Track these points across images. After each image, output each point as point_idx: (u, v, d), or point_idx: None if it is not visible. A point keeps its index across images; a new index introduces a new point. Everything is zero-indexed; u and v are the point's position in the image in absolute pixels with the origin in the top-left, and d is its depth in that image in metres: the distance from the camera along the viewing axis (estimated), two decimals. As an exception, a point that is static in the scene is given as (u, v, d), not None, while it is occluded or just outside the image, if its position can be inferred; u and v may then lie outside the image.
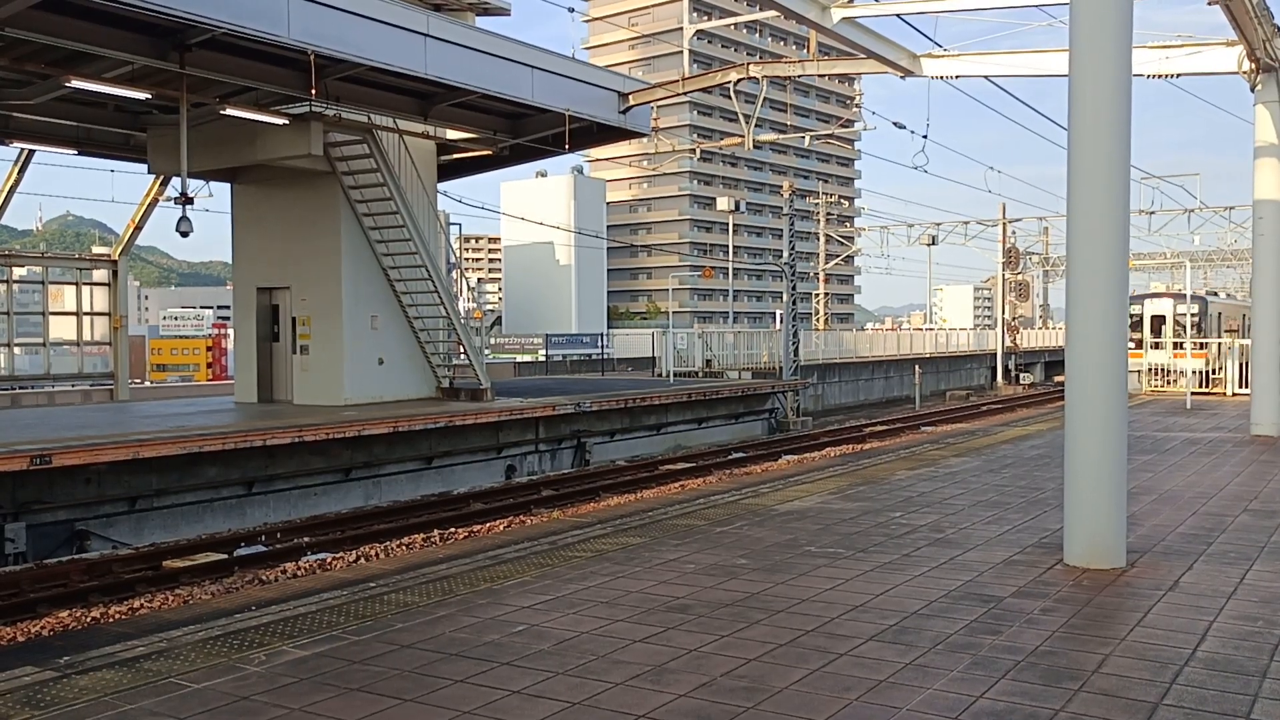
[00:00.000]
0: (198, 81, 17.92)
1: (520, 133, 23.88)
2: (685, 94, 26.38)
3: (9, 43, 15.76)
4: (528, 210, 73.59)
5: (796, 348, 35.38)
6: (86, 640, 6.24)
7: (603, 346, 53.79)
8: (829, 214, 66.94)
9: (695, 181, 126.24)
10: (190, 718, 4.87)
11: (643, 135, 25.64)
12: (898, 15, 17.36)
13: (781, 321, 37.03)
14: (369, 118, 21.57)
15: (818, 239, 67.17)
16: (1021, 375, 57.40)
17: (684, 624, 6.40)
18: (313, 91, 17.52)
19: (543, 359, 48.80)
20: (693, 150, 37.47)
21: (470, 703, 5.07)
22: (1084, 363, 7.93)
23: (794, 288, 35.83)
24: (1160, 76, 17.66)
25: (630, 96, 23.25)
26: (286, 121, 20.37)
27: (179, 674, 5.49)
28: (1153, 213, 53.22)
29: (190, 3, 14.80)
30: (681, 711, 4.94)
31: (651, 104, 24.28)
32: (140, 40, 16.46)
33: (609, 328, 78.59)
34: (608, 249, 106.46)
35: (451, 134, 24.07)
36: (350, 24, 17.21)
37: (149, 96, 18.54)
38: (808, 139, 34.23)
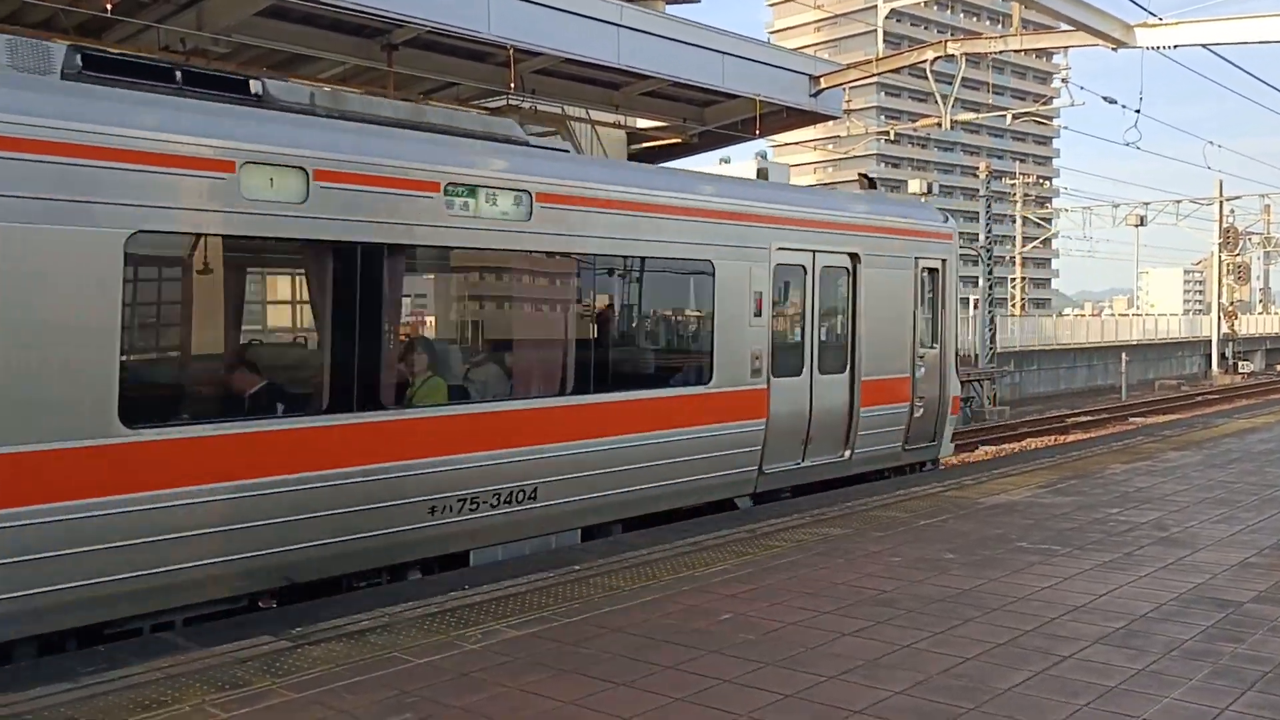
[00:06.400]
0: (403, 79, 18.65)
1: (710, 119, 23.83)
2: (877, 75, 25.74)
3: (235, 48, 16.79)
4: (712, 197, 73.32)
5: (993, 334, 34.10)
6: (315, 612, 6.57)
7: (788, 333, 53.19)
8: (1026, 194, 64.28)
9: (883, 164, 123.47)
10: (416, 691, 5.06)
11: (834, 118, 25.18)
12: (1110, -17, 16.44)
13: (975, 307, 35.79)
14: (563, 109, 21.96)
15: (1013, 221, 64.56)
16: (1240, 363, 53.63)
17: (893, 619, 6.24)
18: (510, 85, 17.96)
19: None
20: (885, 132, 36.60)
21: (682, 689, 5.08)
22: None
23: (990, 272, 34.54)
24: None
25: (822, 79, 22.86)
26: (485, 115, 20.98)
27: (402, 649, 5.71)
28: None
29: (399, 3, 15.41)
30: (899, 709, 4.81)
31: (843, 86, 23.79)
32: (351, 42, 17.26)
33: (794, 314, 77.74)
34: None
35: (642, 123, 24.24)
36: (546, 17, 17.55)
37: (359, 95, 19.40)
38: (1009, 117, 32.62)
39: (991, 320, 34.30)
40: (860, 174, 13.20)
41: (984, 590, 6.87)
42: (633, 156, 25.73)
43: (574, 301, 9.19)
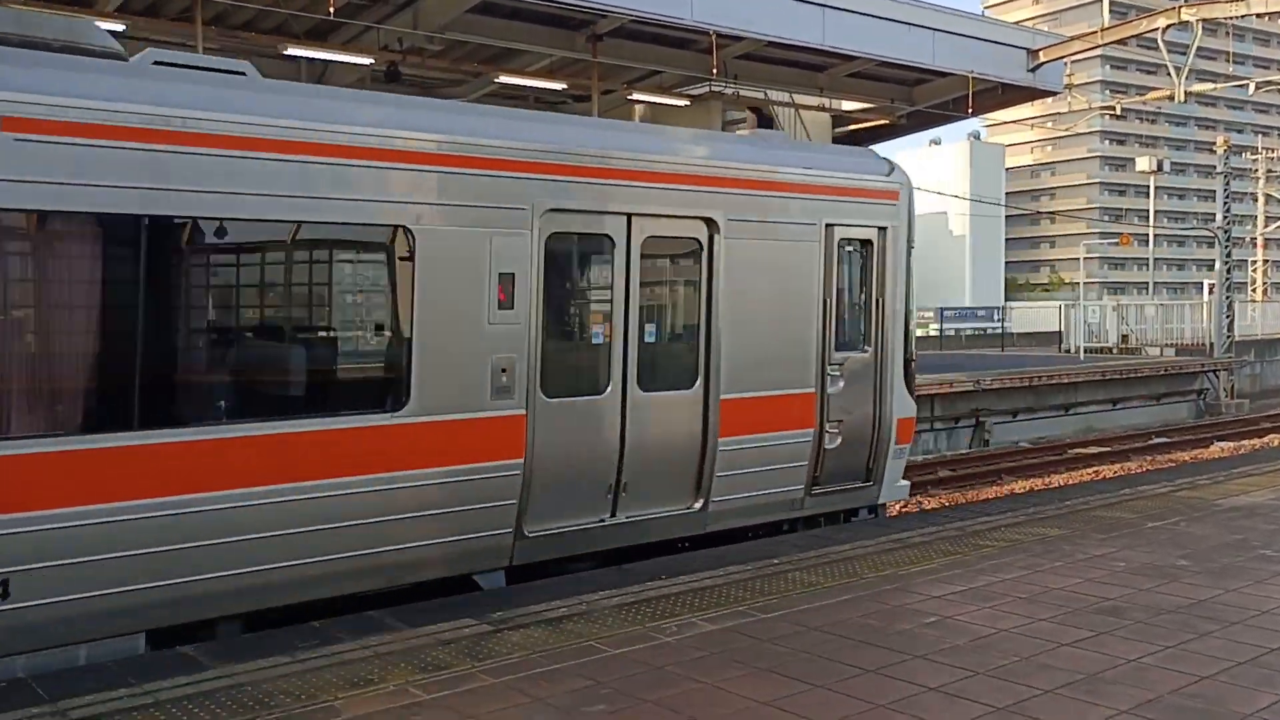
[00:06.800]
0: (607, 69, 18.90)
1: (919, 99, 23.08)
2: (1101, 46, 24.26)
3: (448, 45, 17.42)
4: (920, 180, 71.09)
5: (1230, 321, 31.69)
6: (515, 597, 6.67)
7: (1001, 320, 51.16)
8: (1270, 171, 59.43)
9: (1106, 141, 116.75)
10: (610, 682, 5.04)
11: (1053, 94, 23.94)
12: (1375, -67, 14.85)
13: (1210, 292, 33.36)
14: (765, 94, 21.73)
15: (1255, 200, 59.84)
16: None
17: (1117, 629, 5.80)
18: (713, 71, 17.89)
19: (935, 333, 47.23)
20: (1110, 107, 34.52)
21: (885, 695, 4.86)
22: None
23: (1228, 254, 32.11)
24: None
25: (1040, 53, 21.74)
26: (688, 103, 20.99)
27: (597, 638, 5.71)
28: None
29: (602, -6, 15.61)
30: (1124, 731, 4.44)
31: (1064, 59, 22.55)
32: (556, 34, 17.62)
33: (1006, 300, 74.57)
34: (1006, 217, 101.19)
35: (847, 105, 23.73)
36: (749, 1, 17.39)
37: (564, 87, 19.81)
38: (1251, 86, 30.14)
39: (1229, 306, 31.90)
40: (749, 107, 9.53)
41: (1222, 602, 6.30)
42: (837, 140, 25.23)
43: (102, 291, 5.89)
